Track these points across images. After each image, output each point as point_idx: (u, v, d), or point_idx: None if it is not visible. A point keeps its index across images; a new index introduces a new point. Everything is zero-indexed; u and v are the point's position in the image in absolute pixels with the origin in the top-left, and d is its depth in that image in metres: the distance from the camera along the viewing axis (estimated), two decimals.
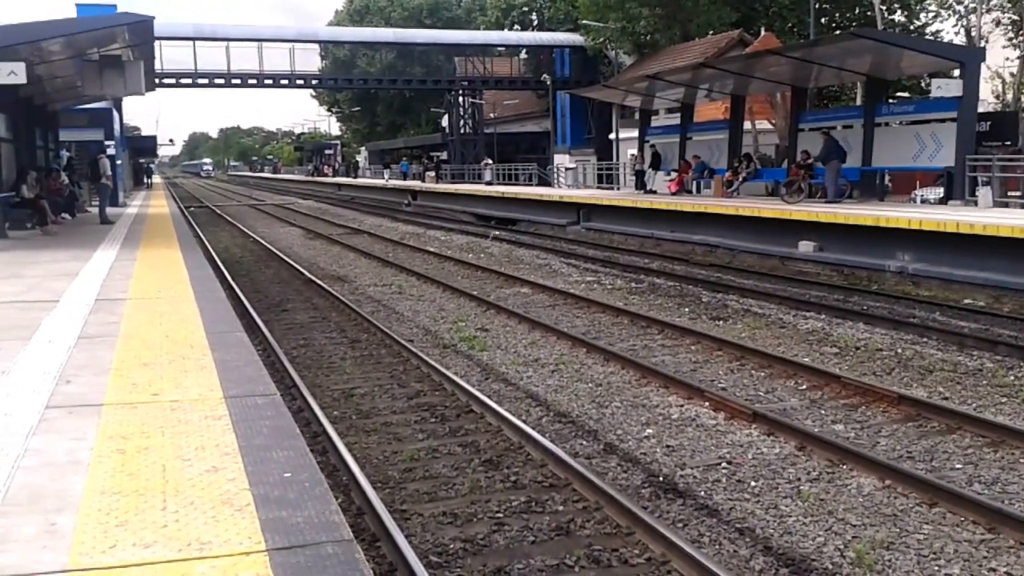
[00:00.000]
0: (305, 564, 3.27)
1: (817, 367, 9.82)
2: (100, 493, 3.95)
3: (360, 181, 66.31)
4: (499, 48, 58.37)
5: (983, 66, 23.82)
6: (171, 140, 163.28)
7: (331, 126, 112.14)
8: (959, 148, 18.90)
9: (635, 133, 33.36)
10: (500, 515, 6.09)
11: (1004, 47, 37.48)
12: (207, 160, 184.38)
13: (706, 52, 37.32)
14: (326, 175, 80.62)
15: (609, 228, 26.46)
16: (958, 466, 6.96)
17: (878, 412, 8.33)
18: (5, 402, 5.40)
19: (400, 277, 18.31)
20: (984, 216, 15.87)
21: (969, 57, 20.56)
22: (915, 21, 43.68)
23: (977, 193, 18.61)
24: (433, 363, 10.08)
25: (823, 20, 42.88)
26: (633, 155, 33.37)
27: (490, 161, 49.22)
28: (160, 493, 3.96)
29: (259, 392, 5.67)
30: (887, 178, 23.56)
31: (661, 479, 6.79)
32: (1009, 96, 38.34)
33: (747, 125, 29.41)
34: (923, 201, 22.33)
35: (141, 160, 67.54)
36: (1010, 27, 37.54)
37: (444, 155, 58.86)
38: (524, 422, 7.87)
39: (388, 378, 9.93)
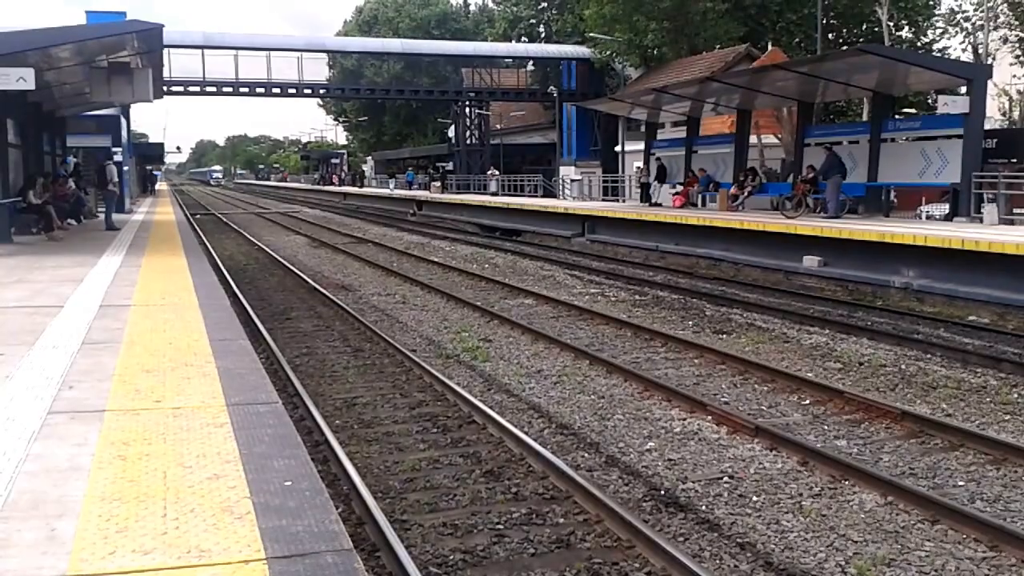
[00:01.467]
0: (304, 573, 3.27)
1: (820, 382, 9.80)
2: (101, 499, 3.96)
3: (366, 191, 66.43)
4: (506, 60, 58.48)
5: (990, 83, 23.85)
6: (178, 147, 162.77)
7: (338, 135, 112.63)
8: (965, 165, 18.89)
9: (641, 146, 33.40)
10: (501, 526, 6.08)
11: (1011, 64, 37.55)
12: (216, 167, 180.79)
13: (713, 66, 37.38)
14: (334, 184, 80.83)
15: (614, 240, 26.47)
16: (960, 483, 6.94)
17: (881, 428, 8.31)
18: (8, 407, 5.41)
19: (404, 287, 18.32)
20: (989, 233, 15.86)
21: (976, 74, 20.57)
22: (922, 37, 43.75)
23: (983, 210, 18.58)
24: (436, 373, 10.08)
25: (830, 35, 42.92)
26: (639, 168, 33.42)
27: (496, 172, 49.31)
28: (161, 500, 3.96)
29: (261, 400, 5.67)
30: (892, 194, 23.55)
31: (662, 493, 6.77)
32: (1016, 113, 38.38)
33: (753, 139, 29.44)
34: (928, 217, 22.30)
35: (148, 167, 67.80)
36: (1017, 44, 37.61)
37: (450, 165, 58.95)
38: (526, 434, 7.87)
39: (390, 388, 9.93)
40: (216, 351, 7.06)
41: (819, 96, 25.58)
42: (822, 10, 34.04)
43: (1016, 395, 9.42)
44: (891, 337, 12.35)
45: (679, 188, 28.38)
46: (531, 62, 57.14)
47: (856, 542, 5.87)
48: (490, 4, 74.82)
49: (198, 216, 45.47)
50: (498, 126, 60.33)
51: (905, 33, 43.42)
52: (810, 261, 18.24)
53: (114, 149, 31.84)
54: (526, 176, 46.56)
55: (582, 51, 50.81)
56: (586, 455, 7.67)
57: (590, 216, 28.70)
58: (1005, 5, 37.04)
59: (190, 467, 4.38)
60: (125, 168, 34.60)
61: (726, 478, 7.06)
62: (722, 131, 31.36)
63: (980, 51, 35.80)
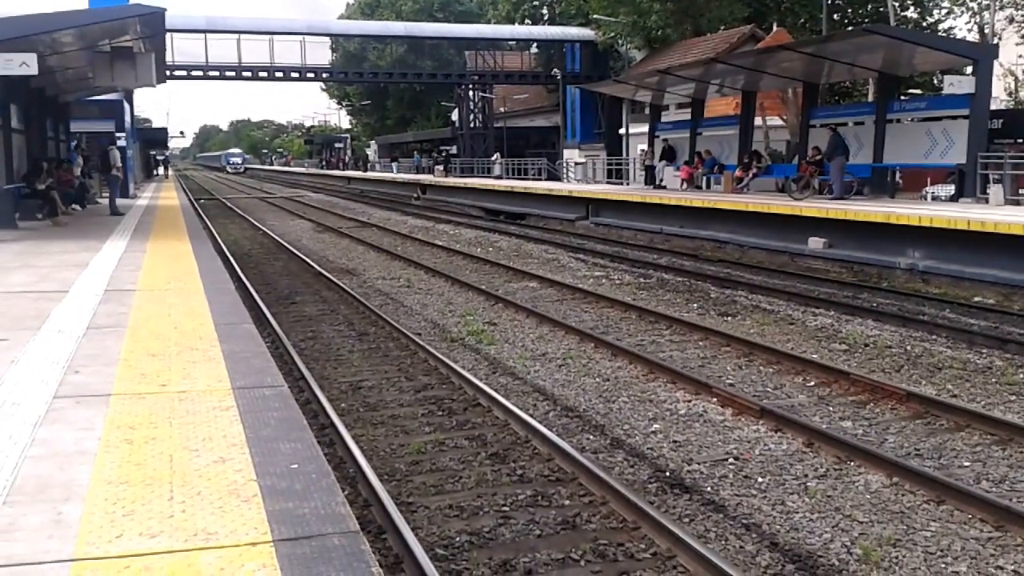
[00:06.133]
0: (311, 555, 3.27)
1: (826, 364, 9.79)
2: (107, 483, 3.96)
3: (370, 175, 66.37)
4: (510, 42, 58.27)
5: (996, 63, 23.69)
6: (181, 132, 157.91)
7: (341, 119, 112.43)
8: (971, 145, 18.81)
9: (645, 128, 33.31)
10: (506, 508, 6.09)
11: (1017, 44, 37.30)
12: (235, 150, 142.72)
13: (717, 47, 37.21)
14: (339, 168, 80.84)
15: (618, 223, 26.42)
16: (966, 464, 6.93)
17: (886, 409, 8.30)
18: (14, 391, 5.42)
19: (409, 271, 18.32)
20: (995, 214, 15.80)
21: (982, 54, 20.45)
22: (928, 17, 43.47)
23: (988, 190, 18.52)
24: (441, 356, 10.08)
25: (835, 16, 42.67)
26: (643, 150, 33.34)
27: (499, 155, 49.21)
28: (167, 483, 3.96)
29: (267, 384, 5.68)
30: (898, 175, 23.46)
31: (668, 474, 6.78)
32: (1022, 93, 38.16)
33: (758, 121, 29.32)
34: (934, 198, 22.24)
35: (151, 152, 67.71)
36: (1023, 24, 37.34)
37: (453, 149, 58.87)
38: (531, 416, 7.87)
39: (396, 371, 9.94)
40: (221, 335, 7.06)
41: (824, 77, 25.46)
42: None
43: (1021, 375, 9.40)
44: (896, 318, 12.33)
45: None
46: (535, 45, 56.92)
47: (861, 523, 5.87)
48: None
49: (202, 201, 45.46)
50: (502, 109, 60.19)
51: (910, 13, 43.15)
52: (815, 243, 18.21)
53: (117, 134, 31.81)
54: (530, 159, 46.48)
55: (586, 33, 50.61)
56: (591, 437, 7.68)
57: (594, 199, 28.64)
58: None
59: (196, 450, 4.38)
60: (129, 153, 34.57)
61: (731, 459, 7.06)
62: (727, 113, 31.23)
63: (986, 31, 35.55)
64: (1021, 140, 20.07)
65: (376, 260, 20.45)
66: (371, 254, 21.66)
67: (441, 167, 52.92)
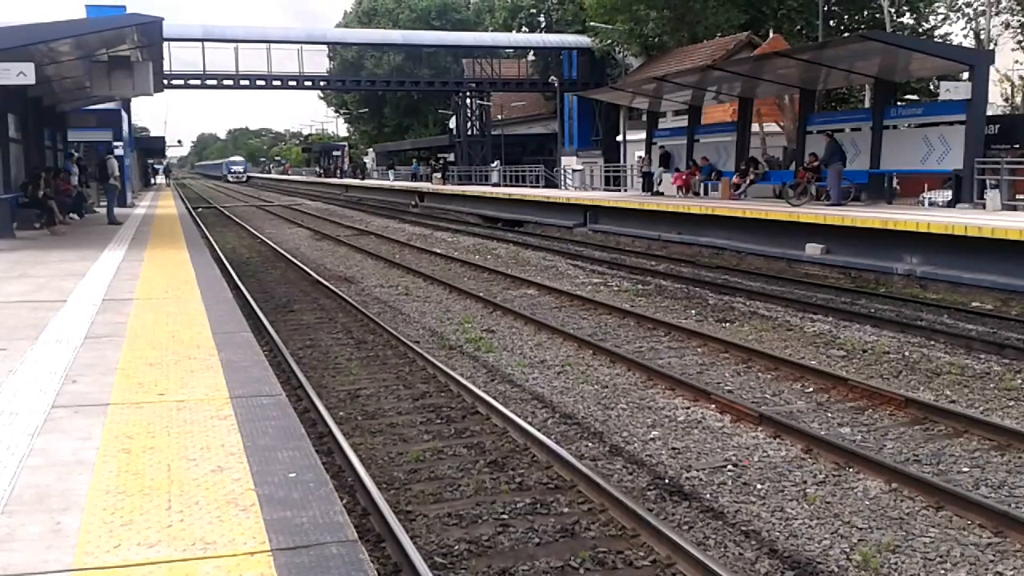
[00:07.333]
0: (309, 564, 3.27)
1: (824, 370, 9.79)
2: (105, 493, 3.96)
3: (367, 182, 66.39)
4: (507, 50, 58.34)
5: (992, 69, 23.77)
6: (179, 141, 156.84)
7: (339, 127, 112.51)
8: (968, 151, 18.85)
9: (642, 135, 33.35)
10: (505, 516, 6.08)
11: (1013, 50, 37.37)
12: (237, 158, 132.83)
13: (714, 54, 37.28)
14: (336, 176, 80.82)
15: (616, 230, 26.44)
16: (965, 469, 6.93)
17: (885, 415, 8.31)
18: (12, 401, 5.42)
19: (407, 278, 18.31)
20: (992, 219, 15.82)
21: (978, 60, 20.51)
22: (924, 24, 43.53)
23: (985, 196, 18.54)
24: (439, 364, 10.08)
25: (831, 22, 42.73)
26: (640, 157, 33.38)
27: (497, 163, 49.24)
28: (165, 493, 3.96)
29: (265, 392, 5.67)
30: (895, 181, 23.51)
31: (667, 481, 6.77)
32: (1018, 99, 38.23)
33: (755, 127, 29.35)
34: (931, 204, 22.27)
35: (149, 160, 67.74)
36: (1019, 30, 37.44)
37: (451, 156, 58.90)
38: (530, 423, 7.86)
39: (394, 379, 9.93)
40: (219, 344, 7.06)
41: (821, 83, 25.52)
42: None
43: (1020, 381, 9.41)
44: (894, 324, 12.34)
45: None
46: (532, 52, 56.94)
47: (861, 529, 5.87)
48: None
49: (199, 209, 45.46)
50: (499, 117, 60.23)
51: (907, 19, 43.21)
52: (813, 249, 18.22)
53: (115, 143, 31.83)
54: (528, 167, 46.48)
55: (583, 40, 50.66)
56: (590, 444, 7.68)
57: (592, 206, 28.66)
58: None
59: (194, 460, 4.38)
60: (127, 162, 34.59)
61: (730, 466, 7.06)
62: (724, 119, 31.29)
63: (982, 37, 35.67)
64: (1017, 145, 20.09)
65: (374, 268, 20.45)
66: (369, 262, 21.66)
67: (439, 175, 52.93)
